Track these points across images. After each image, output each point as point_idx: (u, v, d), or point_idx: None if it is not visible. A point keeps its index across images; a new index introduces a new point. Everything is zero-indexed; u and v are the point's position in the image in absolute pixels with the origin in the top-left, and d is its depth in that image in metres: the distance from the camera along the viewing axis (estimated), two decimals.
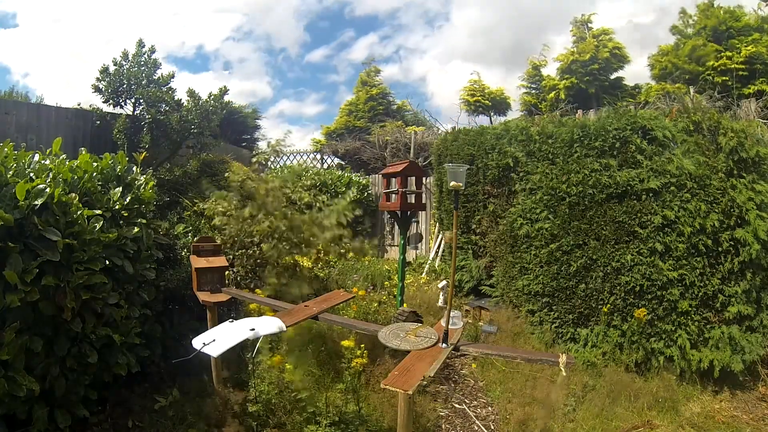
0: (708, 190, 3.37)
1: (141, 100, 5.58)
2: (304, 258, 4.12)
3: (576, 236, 3.68)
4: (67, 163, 2.52)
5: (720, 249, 3.30)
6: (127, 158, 2.92)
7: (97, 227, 2.28)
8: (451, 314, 2.16)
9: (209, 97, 5.96)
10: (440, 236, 6.41)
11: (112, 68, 5.58)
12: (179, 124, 5.55)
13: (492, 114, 11.98)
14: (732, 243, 3.28)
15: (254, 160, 5.04)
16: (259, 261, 3.96)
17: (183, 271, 3.27)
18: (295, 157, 10.96)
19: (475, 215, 4.79)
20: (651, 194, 3.46)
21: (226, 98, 6.24)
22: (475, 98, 11.54)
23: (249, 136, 12.79)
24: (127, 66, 5.65)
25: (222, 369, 2.85)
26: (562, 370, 1.81)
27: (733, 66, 8.44)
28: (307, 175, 7.24)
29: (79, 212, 2.23)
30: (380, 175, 5.50)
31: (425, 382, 2.95)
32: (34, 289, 1.99)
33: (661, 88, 8.85)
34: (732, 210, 3.30)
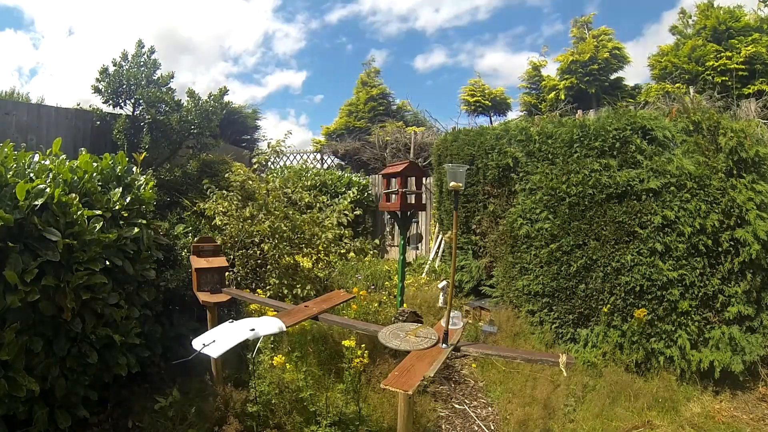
0: (708, 190, 3.37)
1: (141, 101, 5.59)
2: (305, 258, 4.11)
3: (576, 236, 3.68)
4: (67, 163, 2.52)
5: (720, 249, 3.30)
6: (127, 159, 2.92)
7: (97, 227, 2.28)
8: (451, 314, 2.16)
9: (209, 98, 5.98)
10: (440, 236, 6.41)
11: (111, 69, 5.58)
12: (179, 125, 5.56)
13: (492, 114, 11.99)
14: (732, 243, 3.27)
15: (254, 160, 5.03)
16: (259, 261, 3.95)
17: (183, 272, 3.27)
18: (295, 157, 10.97)
19: (475, 215, 4.78)
20: (651, 194, 3.46)
21: (226, 98, 6.26)
22: (475, 98, 11.54)
23: (249, 137, 12.81)
24: (127, 66, 5.65)
25: (222, 369, 2.85)
26: (563, 370, 1.81)
27: (732, 66, 8.43)
28: (308, 175, 7.25)
29: (79, 212, 2.23)
30: (380, 176, 5.50)
31: (425, 383, 2.96)
32: (34, 289, 1.99)
33: (660, 88, 8.83)
34: (732, 210, 3.29)
